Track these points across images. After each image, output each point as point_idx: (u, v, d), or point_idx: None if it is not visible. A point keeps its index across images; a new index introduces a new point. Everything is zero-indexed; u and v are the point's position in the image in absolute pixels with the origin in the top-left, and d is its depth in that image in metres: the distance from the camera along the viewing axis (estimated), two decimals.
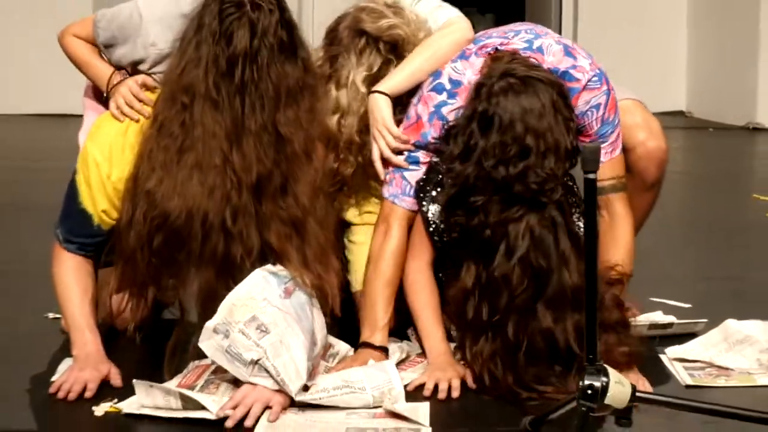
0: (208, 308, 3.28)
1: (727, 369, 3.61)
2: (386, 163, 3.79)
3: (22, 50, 9.96)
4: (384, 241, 3.72)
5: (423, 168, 3.75)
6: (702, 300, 4.32)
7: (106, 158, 3.43)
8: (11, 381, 3.54)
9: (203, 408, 3.19)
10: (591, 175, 2.76)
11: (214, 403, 3.20)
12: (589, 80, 3.71)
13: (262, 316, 3.26)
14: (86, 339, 3.46)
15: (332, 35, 3.95)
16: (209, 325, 3.25)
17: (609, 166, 3.75)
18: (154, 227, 3.28)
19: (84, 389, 3.31)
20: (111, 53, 3.92)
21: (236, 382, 3.27)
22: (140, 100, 3.54)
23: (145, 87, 3.60)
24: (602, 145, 3.71)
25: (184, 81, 3.31)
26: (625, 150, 3.91)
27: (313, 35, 4.02)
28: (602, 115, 3.74)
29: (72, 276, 3.52)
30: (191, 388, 3.32)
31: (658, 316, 4.11)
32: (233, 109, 3.27)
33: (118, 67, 3.90)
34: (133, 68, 3.88)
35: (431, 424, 3.15)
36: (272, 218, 3.32)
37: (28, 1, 9.94)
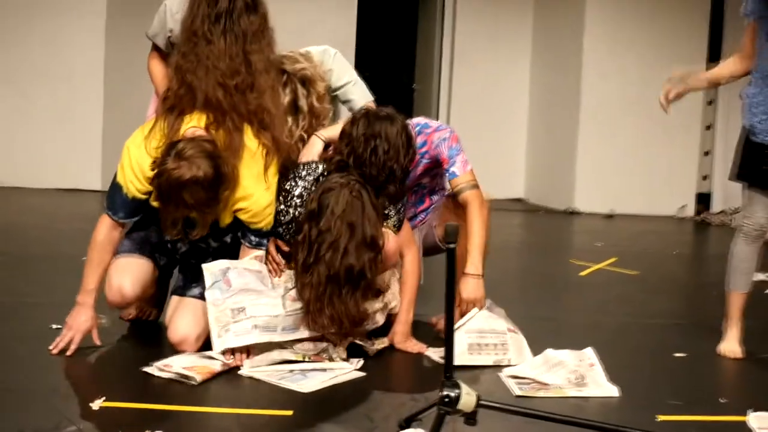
0: None
1: (546, 384, 3.64)
2: None
3: (51, 139, 9.83)
4: None
5: None
6: (529, 334, 4.32)
7: (137, 147, 3.84)
8: (23, 377, 3.49)
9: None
10: (451, 246, 2.80)
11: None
12: (437, 127, 4.27)
13: (236, 305, 3.71)
14: (85, 296, 3.87)
15: None
16: (217, 344, 3.68)
17: (464, 176, 4.18)
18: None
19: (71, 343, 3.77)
20: (158, 40, 4.40)
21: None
22: None
23: None
24: (456, 165, 4.19)
25: (192, 28, 3.95)
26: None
27: None
28: (449, 144, 4.22)
29: (98, 249, 3.88)
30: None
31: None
32: (220, 44, 3.91)
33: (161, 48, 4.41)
34: (168, 40, 4.35)
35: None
36: (243, 104, 3.91)
37: (51, 107, 9.82)
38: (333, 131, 4.24)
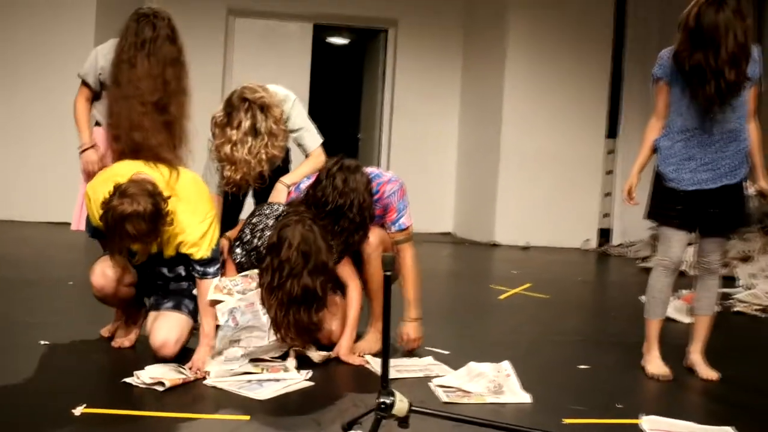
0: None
1: (469, 392, 3.64)
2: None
3: (44, 179, 9.73)
4: None
5: None
6: (456, 349, 4.34)
7: (93, 192, 3.82)
8: (10, 385, 3.40)
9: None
10: (388, 273, 2.80)
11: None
12: (390, 179, 4.24)
13: (235, 337, 3.80)
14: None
15: (228, 101, 4.29)
16: (221, 370, 3.72)
17: (409, 229, 4.27)
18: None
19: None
20: (89, 78, 4.37)
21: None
22: (92, 165, 4.30)
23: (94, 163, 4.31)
24: (404, 217, 4.24)
25: (120, 56, 4.04)
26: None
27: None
28: (398, 197, 4.24)
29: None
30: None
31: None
32: (143, 67, 4.00)
33: (94, 91, 4.39)
34: (98, 78, 4.33)
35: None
36: (158, 121, 3.98)
37: (44, 152, 9.72)
38: (295, 176, 4.35)
